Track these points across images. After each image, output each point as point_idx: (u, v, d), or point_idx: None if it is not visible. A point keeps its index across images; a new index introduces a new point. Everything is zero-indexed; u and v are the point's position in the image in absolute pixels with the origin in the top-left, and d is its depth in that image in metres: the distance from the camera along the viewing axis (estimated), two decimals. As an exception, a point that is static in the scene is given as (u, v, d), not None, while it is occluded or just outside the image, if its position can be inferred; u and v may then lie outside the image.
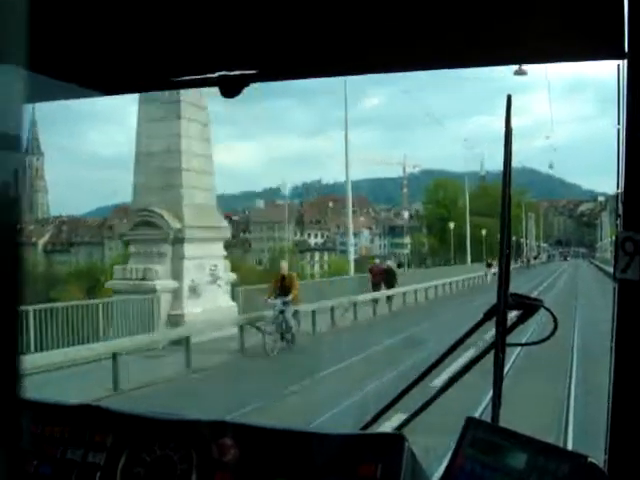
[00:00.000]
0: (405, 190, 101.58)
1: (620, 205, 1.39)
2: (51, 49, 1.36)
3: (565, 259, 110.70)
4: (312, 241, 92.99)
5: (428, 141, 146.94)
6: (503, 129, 1.64)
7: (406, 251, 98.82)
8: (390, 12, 1.56)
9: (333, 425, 7.39)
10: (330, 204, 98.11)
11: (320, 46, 1.79)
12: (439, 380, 1.89)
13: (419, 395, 1.80)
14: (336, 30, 1.67)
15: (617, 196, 1.44)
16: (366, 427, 1.88)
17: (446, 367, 1.91)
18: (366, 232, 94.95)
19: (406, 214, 65.21)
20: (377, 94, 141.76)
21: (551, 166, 64.86)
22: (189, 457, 1.66)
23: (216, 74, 1.87)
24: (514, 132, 1.64)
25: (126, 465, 1.71)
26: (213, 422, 1.71)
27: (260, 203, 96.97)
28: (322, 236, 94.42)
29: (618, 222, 1.40)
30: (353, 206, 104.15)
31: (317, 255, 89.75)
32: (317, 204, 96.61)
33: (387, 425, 1.94)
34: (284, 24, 1.64)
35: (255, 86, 1.90)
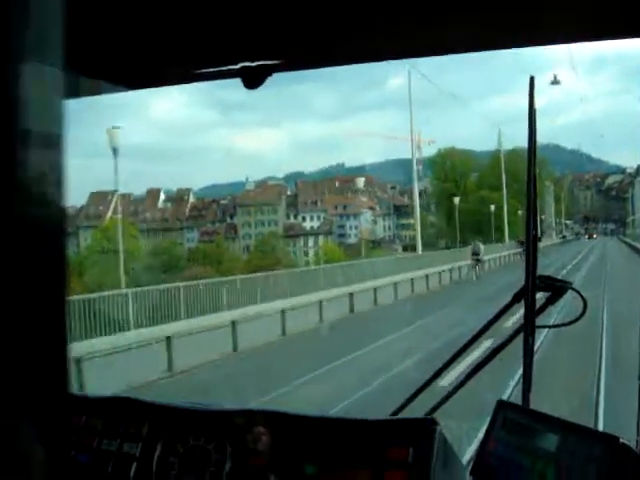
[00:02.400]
0: (420, 167, 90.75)
1: None
2: (74, 45, 1.30)
3: (590, 237, 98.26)
4: (307, 224, 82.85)
5: (453, 121, 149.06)
6: (526, 109, 1.70)
7: (413, 232, 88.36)
8: None
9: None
10: (336, 183, 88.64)
11: (341, 34, 1.85)
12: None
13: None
14: (357, 17, 1.72)
15: None
16: (396, 413, 1.95)
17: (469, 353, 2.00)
18: (368, 213, 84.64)
19: (416, 189, 55.57)
20: (400, 75, 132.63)
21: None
22: (223, 446, 1.74)
23: (238, 65, 1.95)
24: (538, 110, 1.70)
25: (161, 455, 1.80)
26: (245, 411, 1.79)
27: (250, 184, 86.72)
28: (318, 219, 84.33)
29: None
30: (355, 185, 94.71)
31: (311, 240, 78.89)
32: (313, 183, 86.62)
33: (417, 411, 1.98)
34: (305, 13, 1.70)
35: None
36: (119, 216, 51.58)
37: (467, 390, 1.91)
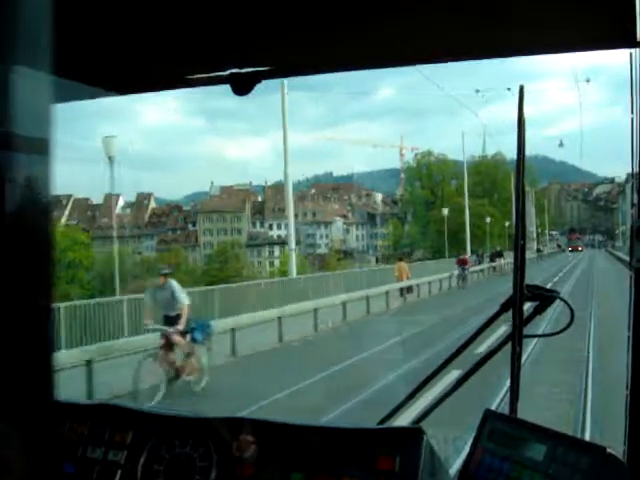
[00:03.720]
0: (403, 175, 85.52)
1: (636, 194, 1.43)
2: (63, 50, 1.35)
3: (574, 250, 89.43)
4: (274, 233, 76.87)
5: (442, 131, 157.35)
6: (516, 118, 1.73)
7: (388, 242, 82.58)
8: (401, 5, 1.67)
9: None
10: (312, 190, 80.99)
11: (330, 41, 1.90)
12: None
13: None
14: (346, 25, 1.78)
15: (632, 185, 1.50)
16: (383, 421, 1.95)
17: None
18: (340, 222, 78.57)
19: (379, 197, 49.87)
20: (390, 85, 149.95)
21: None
22: (209, 454, 1.75)
23: (227, 72, 1.99)
24: (527, 121, 1.74)
25: (146, 463, 1.80)
26: (231, 419, 1.81)
27: (215, 190, 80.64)
28: (286, 227, 78.09)
29: (634, 211, 1.45)
30: (328, 193, 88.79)
31: (277, 250, 73.47)
32: (281, 189, 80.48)
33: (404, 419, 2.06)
34: (294, 20, 1.75)
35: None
36: (74, 222, 46.20)
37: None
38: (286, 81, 26.37)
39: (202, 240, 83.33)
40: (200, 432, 1.80)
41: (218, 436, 1.76)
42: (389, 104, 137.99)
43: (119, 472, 1.81)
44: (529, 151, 1.88)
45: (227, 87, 2.00)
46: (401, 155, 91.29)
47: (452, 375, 2.11)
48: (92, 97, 2.37)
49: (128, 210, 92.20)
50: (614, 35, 1.65)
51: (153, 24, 1.74)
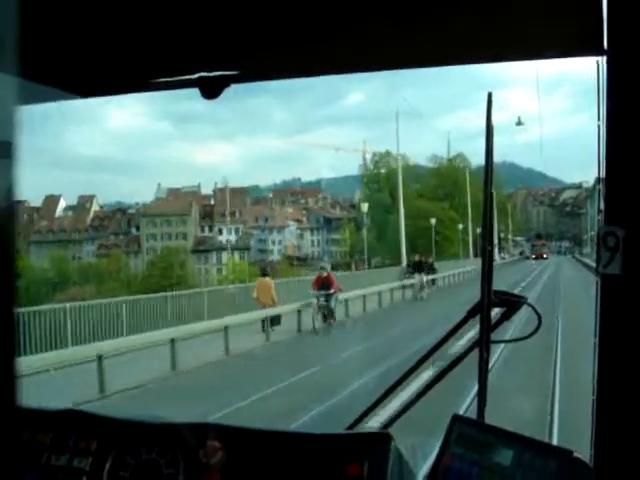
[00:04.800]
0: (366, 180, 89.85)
1: (602, 200, 1.50)
2: (29, 52, 1.49)
3: (539, 258, 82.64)
4: (224, 238, 71.71)
5: (410, 137, 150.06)
6: (484, 125, 1.76)
7: (346, 249, 78.05)
8: (370, 10, 1.69)
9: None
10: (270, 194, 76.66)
11: (300, 46, 1.94)
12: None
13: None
14: (316, 30, 1.81)
15: (598, 191, 1.61)
16: (352, 427, 2.00)
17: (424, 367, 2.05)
18: (294, 226, 73.67)
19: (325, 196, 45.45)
20: (358, 91, 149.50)
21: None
22: (175, 461, 1.75)
23: (196, 75, 2.01)
24: (495, 127, 1.78)
25: (112, 469, 1.80)
26: (198, 424, 1.82)
27: (162, 192, 75.25)
28: (237, 232, 73.19)
29: (600, 217, 1.53)
30: (288, 198, 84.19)
31: (226, 256, 68.12)
32: (234, 192, 75.55)
33: (374, 423, 2.12)
34: (264, 24, 1.78)
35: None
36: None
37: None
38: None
39: (145, 245, 78.13)
40: (167, 438, 1.79)
41: (185, 442, 1.75)
42: (356, 110, 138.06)
43: (84, 479, 1.81)
44: (497, 158, 1.96)
45: (195, 90, 2.01)
46: (364, 159, 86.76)
47: (422, 379, 2.15)
48: (57, 99, 2.35)
49: (70, 213, 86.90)
50: (582, 43, 1.69)
51: (121, 26, 1.75)
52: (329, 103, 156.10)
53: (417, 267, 36.85)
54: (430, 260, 40.54)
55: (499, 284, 1.89)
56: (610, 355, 1.49)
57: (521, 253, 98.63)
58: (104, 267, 71.21)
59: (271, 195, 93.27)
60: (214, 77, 1.98)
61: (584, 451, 1.52)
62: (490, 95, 1.73)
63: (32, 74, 1.85)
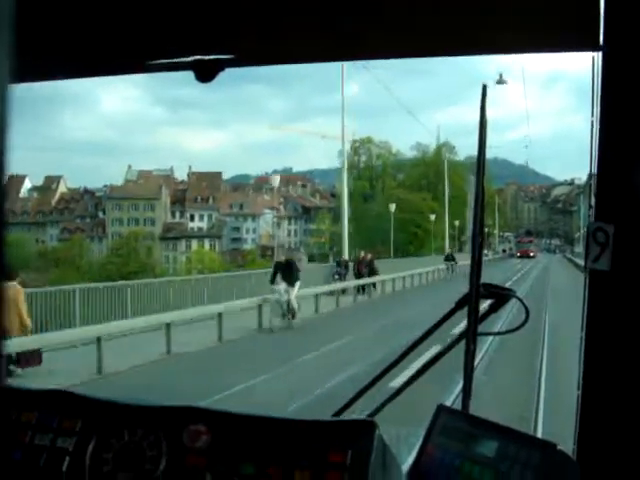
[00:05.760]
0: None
1: (593, 196, 1.55)
2: (24, 29, 1.41)
3: (524, 256, 76.11)
4: (195, 225, 67.76)
5: (401, 130, 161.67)
6: (476, 119, 1.76)
7: (323, 240, 73.91)
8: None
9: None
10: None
11: (297, 31, 1.94)
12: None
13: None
14: (312, 15, 1.82)
15: (589, 187, 1.67)
16: (338, 414, 2.02)
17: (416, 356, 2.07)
18: (270, 214, 69.54)
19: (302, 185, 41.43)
20: (354, 83, 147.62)
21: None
22: (158, 443, 1.77)
23: (191, 58, 1.99)
24: (489, 123, 1.77)
25: (95, 450, 1.81)
26: (183, 408, 1.82)
27: (133, 174, 70.99)
28: (210, 218, 68.97)
29: (591, 213, 1.56)
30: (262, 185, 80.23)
31: (196, 244, 64.36)
32: (208, 177, 71.39)
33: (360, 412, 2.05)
34: (261, 8, 1.80)
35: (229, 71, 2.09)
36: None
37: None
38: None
39: (110, 230, 74.14)
40: (150, 421, 1.82)
41: (168, 425, 1.78)
42: (351, 101, 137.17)
43: (67, 459, 1.81)
44: (489, 154, 1.78)
45: (186, 76, 2.01)
46: (343, 144, 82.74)
47: (409, 368, 2.15)
48: (52, 78, 2.40)
49: (35, 194, 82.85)
50: (577, 38, 1.70)
51: (119, 7, 1.77)
52: (324, 94, 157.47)
53: (345, 266, 31.11)
54: (369, 257, 33.21)
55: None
56: (596, 351, 1.54)
57: (504, 250, 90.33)
58: (63, 252, 66.86)
59: (252, 182, 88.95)
60: (209, 60, 1.97)
61: (567, 446, 1.53)
62: (485, 87, 1.75)
63: (28, 52, 1.83)
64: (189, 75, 1.98)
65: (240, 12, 1.79)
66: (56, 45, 2.00)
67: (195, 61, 1.96)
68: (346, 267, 31.22)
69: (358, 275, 31.03)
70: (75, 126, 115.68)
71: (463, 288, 1.80)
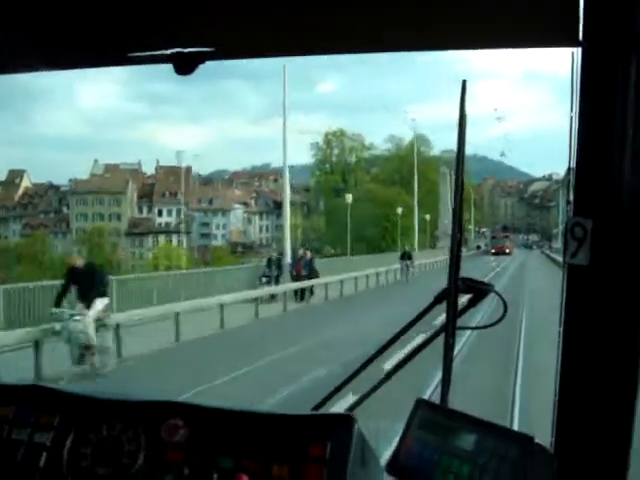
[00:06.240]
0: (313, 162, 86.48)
1: (571, 192, 1.59)
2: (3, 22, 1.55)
3: (499, 253, 72.23)
4: (163, 220, 65.72)
5: (379, 125, 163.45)
6: (454, 115, 1.77)
7: (297, 235, 72.22)
8: None
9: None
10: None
11: (278, 24, 1.93)
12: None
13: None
14: (295, 8, 1.81)
15: (567, 183, 1.66)
16: (317, 408, 2.02)
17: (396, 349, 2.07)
18: (240, 210, 67.52)
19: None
20: (331, 79, 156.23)
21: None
22: (137, 438, 1.78)
23: (170, 51, 1.99)
24: (468, 119, 1.80)
25: (73, 445, 1.82)
26: (162, 402, 1.85)
27: (99, 168, 68.86)
28: (178, 214, 66.99)
29: (569, 208, 1.60)
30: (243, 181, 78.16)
31: (163, 240, 62.98)
32: (177, 171, 69.38)
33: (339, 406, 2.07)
34: (239, 1, 1.80)
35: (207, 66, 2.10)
36: None
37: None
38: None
39: (74, 226, 71.69)
40: (129, 415, 1.83)
41: (147, 420, 1.79)
42: (330, 98, 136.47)
43: (45, 454, 1.83)
44: (469, 150, 1.90)
45: (163, 70, 2.01)
46: (325, 141, 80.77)
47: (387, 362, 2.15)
48: (30, 71, 2.39)
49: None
50: (557, 34, 1.73)
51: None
52: (301, 90, 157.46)
53: (278, 266, 26.96)
54: (308, 256, 28.63)
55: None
56: (574, 345, 1.57)
57: (478, 247, 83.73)
58: (25, 248, 64.74)
59: (227, 177, 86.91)
60: (189, 53, 1.97)
61: (545, 438, 1.56)
62: (464, 83, 1.77)
63: (6, 45, 1.86)
64: (168, 69, 1.96)
65: (221, 4, 1.77)
66: (30, 36, 1.95)
67: (174, 54, 1.94)
68: (279, 267, 26.92)
69: (296, 277, 26.56)
70: (47, 121, 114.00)
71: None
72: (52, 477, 1.80)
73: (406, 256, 37.88)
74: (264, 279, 26.26)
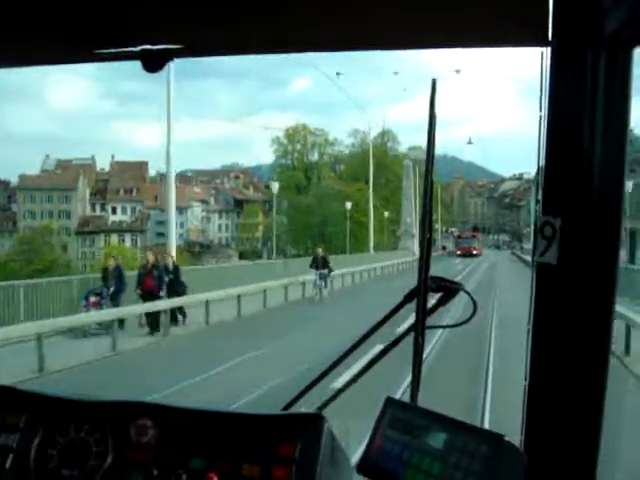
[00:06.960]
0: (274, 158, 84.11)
1: (540, 191, 1.62)
2: None
3: (465, 254, 67.50)
4: (117, 218, 62.18)
5: (347, 122, 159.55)
6: (423, 115, 1.78)
7: (258, 234, 69.48)
8: None
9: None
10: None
11: (246, 23, 1.94)
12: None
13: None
14: (265, 4, 1.82)
15: (537, 182, 1.69)
16: (287, 407, 2.04)
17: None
18: (197, 207, 64.10)
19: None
20: (302, 78, 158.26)
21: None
22: (105, 439, 1.79)
23: (138, 47, 1.99)
24: (438, 120, 1.81)
25: (40, 447, 1.82)
26: (130, 403, 1.87)
27: (50, 163, 65.13)
28: (133, 211, 63.29)
29: (538, 207, 1.63)
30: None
31: (116, 239, 59.21)
32: (132, 167, 65.69)
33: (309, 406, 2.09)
34: None
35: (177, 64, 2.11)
36: None
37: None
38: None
39: (22, 224, 68.19)
40: (96, 416, 1.84)
41: (115, 420, 1.81)
42: (301, 97, 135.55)
43: (11, 456, 1.83)
44: (439, 150, 1.92)
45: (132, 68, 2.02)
46: (286, 135, 77.65)
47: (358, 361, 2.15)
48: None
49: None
50: (527, 33, 1.74)
51: None
52: (274, 89, 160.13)
53: (120, 279, 17.95)
54: (170, 262, 19.59)
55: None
56: (542, 343, 1.60)
57: (444, 247, 75.81)
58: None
59: (190, 174, 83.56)
60: (157, 50, 1.95)
61: (514, 436, 1.56)
62: (434, 82, 1.77)
63: None
64: (137, 66, 1.97)
65: (189, 1, 1.77)
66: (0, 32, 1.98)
67: (142, 50, 1.93)
68: (120, 279, 17.89)
69: (142, 295, 17.99)
70: (10, 117, 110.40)
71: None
72: (18, 479, 1.79)
73: (319, 263, 26.38)
74: (92, 298, 17.74)
